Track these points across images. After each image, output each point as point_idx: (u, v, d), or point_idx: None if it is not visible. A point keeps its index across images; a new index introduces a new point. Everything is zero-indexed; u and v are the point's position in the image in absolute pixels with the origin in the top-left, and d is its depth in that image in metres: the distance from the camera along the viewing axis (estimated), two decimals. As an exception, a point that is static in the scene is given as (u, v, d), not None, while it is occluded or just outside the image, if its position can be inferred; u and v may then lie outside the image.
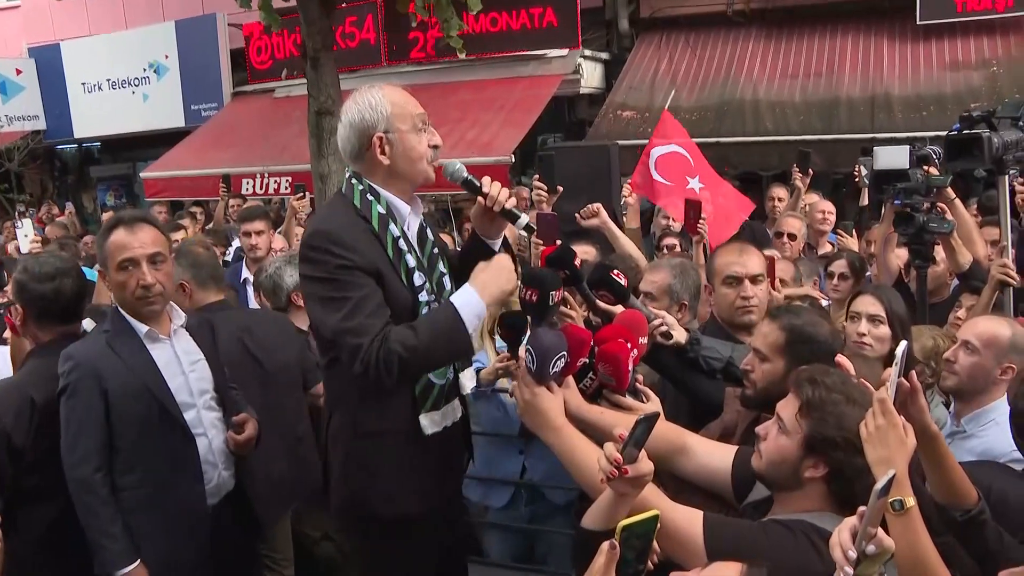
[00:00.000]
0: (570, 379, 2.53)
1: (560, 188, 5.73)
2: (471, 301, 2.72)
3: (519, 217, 2.85)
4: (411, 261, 2.83)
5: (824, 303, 4.79)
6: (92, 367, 3.14)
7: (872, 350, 3.49)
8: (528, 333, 2.56)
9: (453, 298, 2.75)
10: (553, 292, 2.56)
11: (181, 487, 3.25)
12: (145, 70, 15.24)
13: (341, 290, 2.68)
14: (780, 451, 2.25)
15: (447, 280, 2.96)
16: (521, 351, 2.49)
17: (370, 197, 2.82)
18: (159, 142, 14.64)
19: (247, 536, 3.64)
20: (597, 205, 5.19)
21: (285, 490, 4.00)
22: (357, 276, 2.69)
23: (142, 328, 3.26)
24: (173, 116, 14.98)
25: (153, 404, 3.19)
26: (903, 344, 2.31)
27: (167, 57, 14.96)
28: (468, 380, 3.01)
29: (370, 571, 3.02)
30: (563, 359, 2.38)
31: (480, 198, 2.86)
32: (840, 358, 2.52)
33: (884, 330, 3.49)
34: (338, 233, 2.72)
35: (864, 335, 3.52)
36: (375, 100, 2.81)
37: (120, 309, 3.28)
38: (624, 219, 6.39)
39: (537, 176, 4.51)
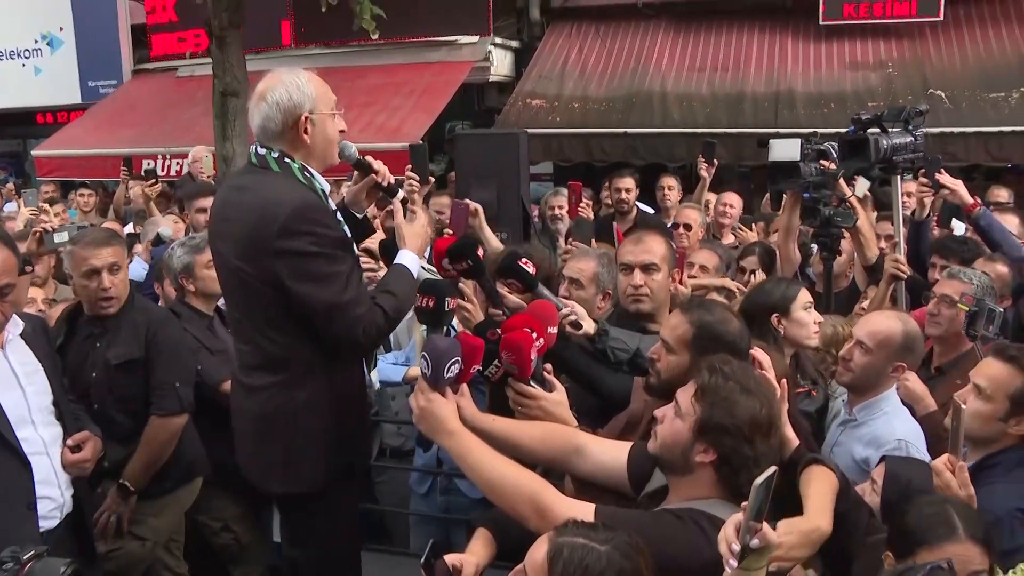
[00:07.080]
0: (464, 388, 2.56)
1: (431, 180, 5.81)
2: (410, 259, 3.10)
3: (397, 191, 3.24)
4: (348, 232, 3.02)
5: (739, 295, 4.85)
6: None
7: None
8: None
9: (399, 261, 3.09)
10: (449, 299, 2.62)
11: (10, 520, 2.88)
12: (37, 41, 14.54)
13: (333, 265, 2.84)
14: (674, 434, 2.29)
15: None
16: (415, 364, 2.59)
17: (307, 173, 2.94)
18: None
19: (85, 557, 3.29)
20: (476, 206, 5.21)
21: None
22: (340, 249, 2.89)
23: None
24: (69, 92, 14.33)
25: None
26: None
27: (62, 30, 14.31)
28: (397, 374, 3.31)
29: (327, 544, 3.08)
30: (457, 364, 2.43)
31: (373, 175, 3.19)
32: (755, 351, 2.58)
33: None
34: (316, 208, 2.86)
35: None
36: (301, 82, 2.93)
37: None
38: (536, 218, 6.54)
39: (409, 167, 4.50)
